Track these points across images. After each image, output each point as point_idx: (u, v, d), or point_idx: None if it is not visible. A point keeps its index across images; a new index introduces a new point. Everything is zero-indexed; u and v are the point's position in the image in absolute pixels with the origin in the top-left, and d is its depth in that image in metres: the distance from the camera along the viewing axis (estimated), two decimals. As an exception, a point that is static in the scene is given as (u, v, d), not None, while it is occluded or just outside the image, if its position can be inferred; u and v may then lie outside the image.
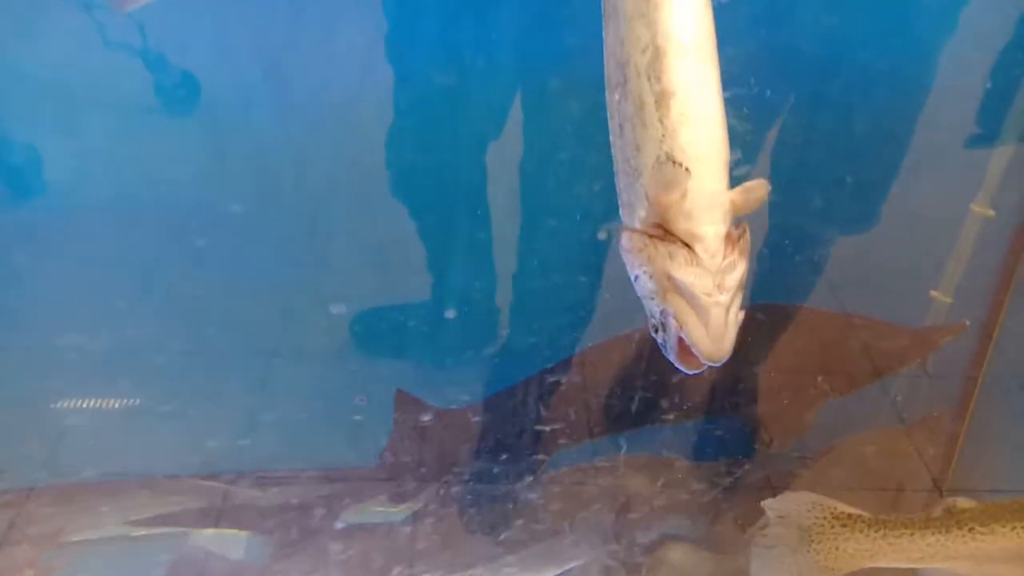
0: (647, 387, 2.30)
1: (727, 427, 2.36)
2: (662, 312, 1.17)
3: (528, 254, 2.18)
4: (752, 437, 2.35)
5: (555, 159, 2.07)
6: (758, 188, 1.22)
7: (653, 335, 1.22)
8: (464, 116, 2.03)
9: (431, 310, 2.27)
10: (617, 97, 1.22)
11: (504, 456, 2.20)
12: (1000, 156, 2.26)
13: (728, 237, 1.18)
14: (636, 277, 1.21)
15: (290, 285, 2.21)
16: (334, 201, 2.16)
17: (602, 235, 2.09)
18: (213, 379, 2.21)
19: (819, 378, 2.36)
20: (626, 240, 1.21)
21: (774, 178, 1.25)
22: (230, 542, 2.03)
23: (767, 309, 2.32)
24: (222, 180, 2.08)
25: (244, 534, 2.05)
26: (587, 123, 1.91)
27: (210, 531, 2.05)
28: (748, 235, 1.21)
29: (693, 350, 1.14)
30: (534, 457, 2.21)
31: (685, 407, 2.31)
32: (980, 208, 2.30)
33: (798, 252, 2.26)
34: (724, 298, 1.15)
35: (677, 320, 1.15)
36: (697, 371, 1.19)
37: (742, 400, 2.36)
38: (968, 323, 2.44)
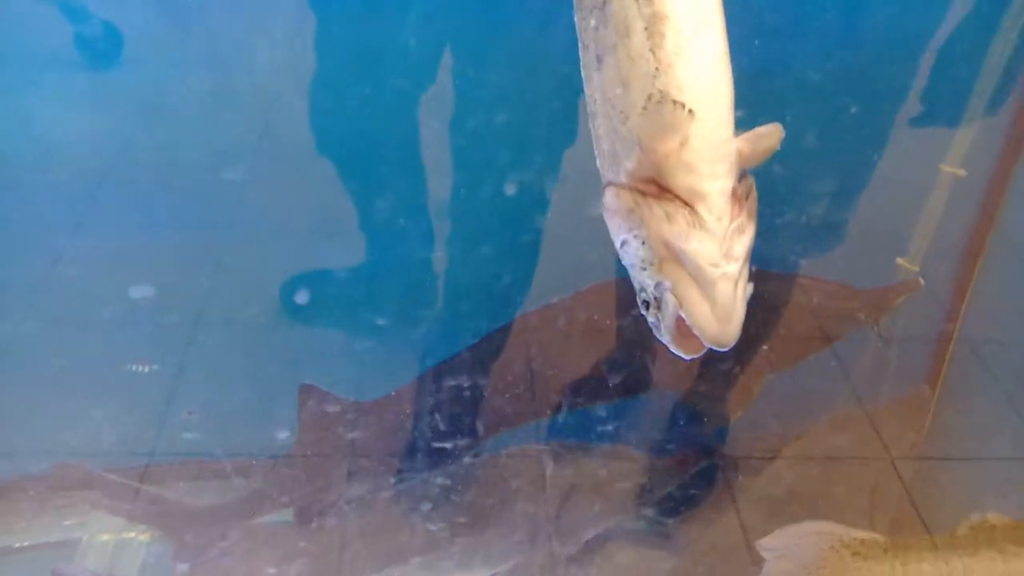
0: (592, 359, 2.14)
1: (677, 405, 2.18)
2: (657, 286, 1.00)
3: (461, 214, 2.02)
4: (697, 412, 2.18)
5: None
6: (769, 135, 1.04)
7: (643, 312, 1.04)
8: (392, 69, 1.90)
9: (359, 277, 2.13)
10: (593, 23, 1.02)
11: (433, 441, 2.03)
12: (971, 112, 2.10)
13: (734, 194, 1.00)
14: (623, 243, 1.03)
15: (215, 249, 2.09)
16: (260, 162, 2.07)
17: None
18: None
19: (764, 346, 2.19)
20: (611, 198, 1.03)
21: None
22: (129, 551, 1.81)
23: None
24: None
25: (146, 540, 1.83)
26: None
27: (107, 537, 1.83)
28: (755, 192, 1.03)
29: (695, 331, 0.98)
30: (467, 441, 2.03)
31: (633, 382, 2.14)
32: (950, 168, 2.14)
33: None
34: (732, 268, 0.98)
35: (676, 295, 0.98)
36: (696, 355, 1.02)
37: (683, 373, 2.19)
38: (923, 281, 2.27)
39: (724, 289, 0.97)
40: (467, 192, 2.01)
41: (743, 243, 0.99)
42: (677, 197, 0.98)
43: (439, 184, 2.00)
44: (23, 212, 2.05)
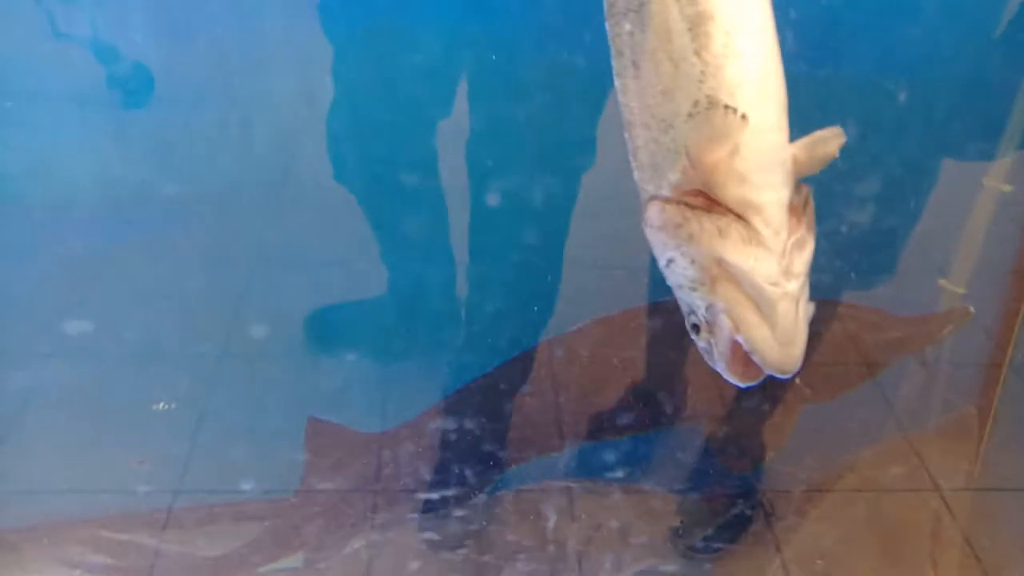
0: (620, 388, 2.04)
1: (711, 438, 2.08)
2: (709, 308, 0.92)
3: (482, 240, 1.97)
4: (733, 445, 2.07)
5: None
6: (829, 140, 0.96)
7: (693, 337, 0.96)
8: (412, 96, 1.85)
9: (382, 305, 2.07)
10: (628, 27, 0.95)
11: (450, 475, 1.94)
12: (1015, 124, 1.99)
13: (791, 206, 0.93)
14: (670, 261, 0.95)
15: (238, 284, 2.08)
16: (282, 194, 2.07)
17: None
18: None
19: (796, 380, 2.07)
20: (656, 214, 0.94)
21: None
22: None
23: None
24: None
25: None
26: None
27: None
28: (812, 202, 0.95)
29: (753, 357, 0.90)
30: (488, 474, 1.94)
31: (663, 414, 2.04)
32: (994, 183, 2.03)
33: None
34: (793, 287, 0.90)
35: (731, 318, 0.90)
36: (754, 384, 0.94)
37: (717, 404, 2.09)
38: (972, 310, 2.14)
39: (785, 310, 0.89)
40: (487, 218, 1.94)
41: (803, 259, 0.92)
42: (729, 210, 0.91)
43: (458, 212, 1.94)
44: (44, 253, 2.04)
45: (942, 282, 2.11)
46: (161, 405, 1.95)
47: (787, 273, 0.90)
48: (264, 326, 2.05)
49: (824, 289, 2.07)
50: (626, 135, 0.98)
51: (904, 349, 2.20)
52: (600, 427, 2.03)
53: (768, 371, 0.90)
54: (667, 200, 0.94)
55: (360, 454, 1.93)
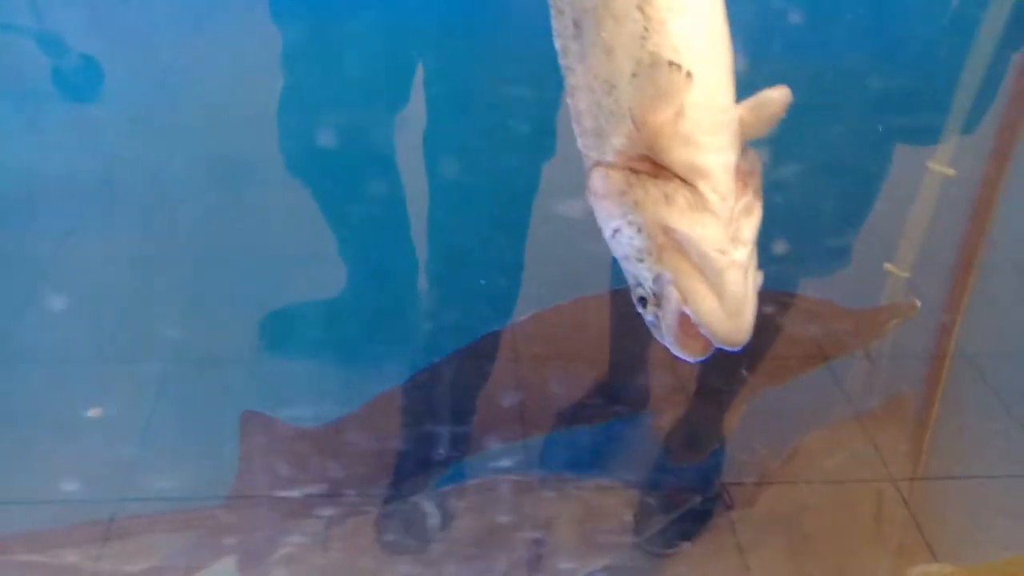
0: (578, 377, 1.99)
1: (667, 428, 2.03)
2: (656, 279, 0.88)
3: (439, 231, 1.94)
4: (686, 436, 2.02)
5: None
6: (775, 99, 0.91)
7: (640, 310, 0.92)
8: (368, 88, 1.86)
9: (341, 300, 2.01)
10: None
11: (396, 468, 1.87)
12: (958, 107, 1.99)
13: (738, 171, 0.89)
14: (615, 231, 0.90)
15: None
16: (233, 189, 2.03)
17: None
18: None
19: (742, 370, 2.06)
20: (600, 181, 0.90)
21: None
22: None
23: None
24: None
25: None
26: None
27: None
28: (760, 167, 0.92)
29: (702, 329, 0.86)
30: (431, 470, 1.87)
31: (623, 404, 2.00)
32: (939, 167, 2.02)
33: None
34: (741, 254, 0.87)
35: (678, 289, 0.86)
36: (702, 357, 0.89)
37: (667, 402, 2.05)
38: (919, 303, 2.13)
39: (734, 279, 0.85)
40: (444, 209, 1.89)
41: (751, 225, 0.88)
42: (675, 176, 0.87)
43: (417, 201, 1.90)
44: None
45: (888, 266, 2.09)
46: (92, 412, 1.84)
47: (735, 240, 0.86)
48: (208, 324, 2.01)
49: (771, 276, 2.04)
50: (568, 100, 0.93)
51: (851, 342, 2.18)
52: (555, 419, 1.98)
53: (717, 343, 0.86)
54: (612, 166, 0.90)
55: (300, 449, 1.84)
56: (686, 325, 0.87)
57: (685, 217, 0.85)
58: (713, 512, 1.85)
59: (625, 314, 1.96)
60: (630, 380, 2.02)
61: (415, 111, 1.81)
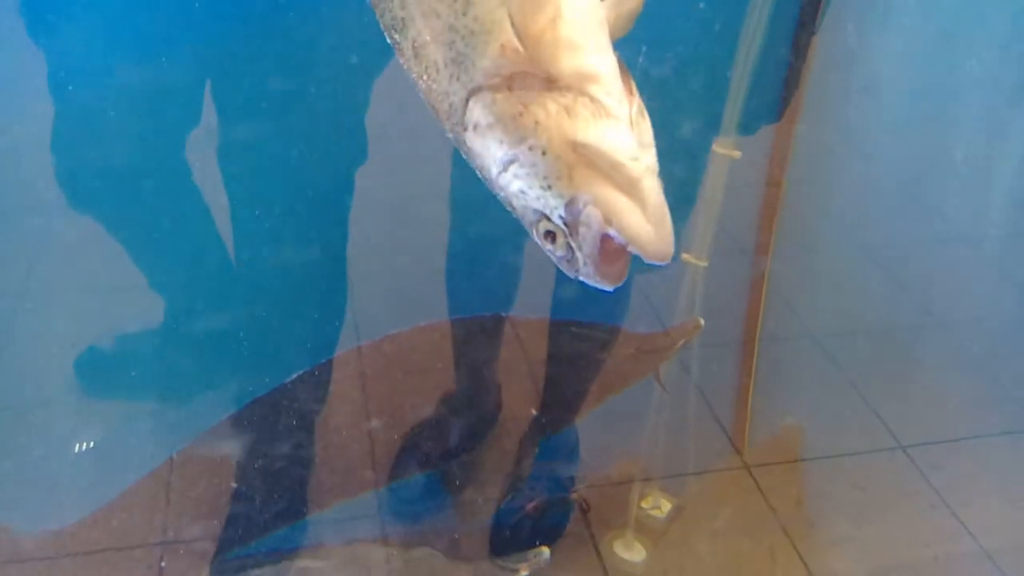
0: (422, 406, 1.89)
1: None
2: (568, 204, 0.82)
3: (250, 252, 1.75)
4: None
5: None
6: None
7: (548, 248, 0.87)
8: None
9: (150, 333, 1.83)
10: None
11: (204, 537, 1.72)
12: (737, 85, 1.94)
13: (622, 71, 0.87)
14: (510, 163, 0.84)
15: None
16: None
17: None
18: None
19: (532, 411, 2.00)
20: (484, 109, 0.84)
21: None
22: None
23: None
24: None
25: None
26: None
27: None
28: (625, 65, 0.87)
29: (629, 248, 0.81)
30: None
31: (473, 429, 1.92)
32: (724, 149, 1.97)
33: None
34: (651, 159, 0.84)
35: (600, 207, 0.81)
36: (620, 284, 0.85)
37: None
38: (702, 321, 2.08)
39: (651, 186, 0.82)
40: (254, 228, 1.70)
41: (648, 127, 0.86)
42: (566, 86, 0.83)
43: (221, 225, 1.70)
44: None
45: (685, 256, 2.03)
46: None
47: (641, 145, 0.83)
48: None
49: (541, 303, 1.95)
50: (399, 38, 0.88)
51: (640, 368, 2.11)
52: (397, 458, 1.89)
53: (648, 259, 0.81)
54: (495, 89, 0.84)
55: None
56: (609, 248, 0.82)
57: (592, 127, 0.81)
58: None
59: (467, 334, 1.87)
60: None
61: (208, 127, 1.62)
